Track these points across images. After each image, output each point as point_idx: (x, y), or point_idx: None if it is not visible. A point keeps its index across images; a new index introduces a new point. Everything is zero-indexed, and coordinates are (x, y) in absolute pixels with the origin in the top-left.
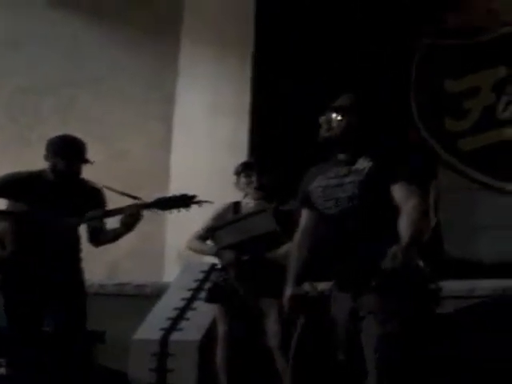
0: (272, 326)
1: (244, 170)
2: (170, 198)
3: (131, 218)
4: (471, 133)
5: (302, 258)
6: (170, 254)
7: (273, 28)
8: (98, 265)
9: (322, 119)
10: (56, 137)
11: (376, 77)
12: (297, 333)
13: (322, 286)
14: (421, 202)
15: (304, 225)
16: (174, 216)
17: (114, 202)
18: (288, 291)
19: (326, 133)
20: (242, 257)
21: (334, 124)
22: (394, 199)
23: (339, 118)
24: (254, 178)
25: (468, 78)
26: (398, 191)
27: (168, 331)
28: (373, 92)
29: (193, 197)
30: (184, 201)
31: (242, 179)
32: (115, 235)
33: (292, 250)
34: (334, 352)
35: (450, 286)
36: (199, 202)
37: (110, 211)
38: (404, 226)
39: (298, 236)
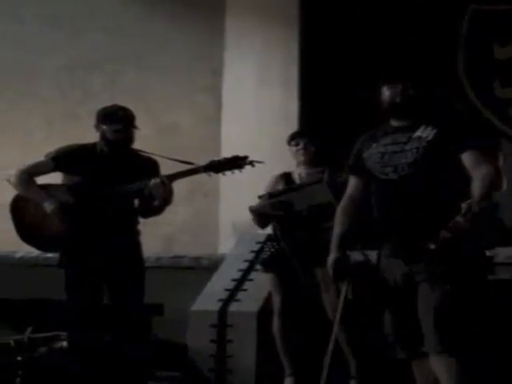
0: (332, 299)
1: (292, 139)
2: (222, 159)
3: (159, 188)
4: None
5: (346, 223)
6: (224, 227)
7: None
8: (154, 239)
9: (389, 87)
10: (103, 106)
11: (423, 45)
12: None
13: (373, 255)
14: (491, 168)
15: (350, 192)
16: (227, 190)
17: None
18: (332, 255)
19: (393, 100)
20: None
21: (402, 92)
22: (465, 166)
23: (408, 86)
24: (301, 146)
25: None
26: (469, 158)
27: (226, 302)
28: (422, 60)
29: (245, 157)
30: (236, 162)
31: (292, 148)
32: (155, 208)
33: (337, 216)
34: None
35: (506, 253)
36: (251, 163)
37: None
38: (476, 188)
39: (343, 202)
